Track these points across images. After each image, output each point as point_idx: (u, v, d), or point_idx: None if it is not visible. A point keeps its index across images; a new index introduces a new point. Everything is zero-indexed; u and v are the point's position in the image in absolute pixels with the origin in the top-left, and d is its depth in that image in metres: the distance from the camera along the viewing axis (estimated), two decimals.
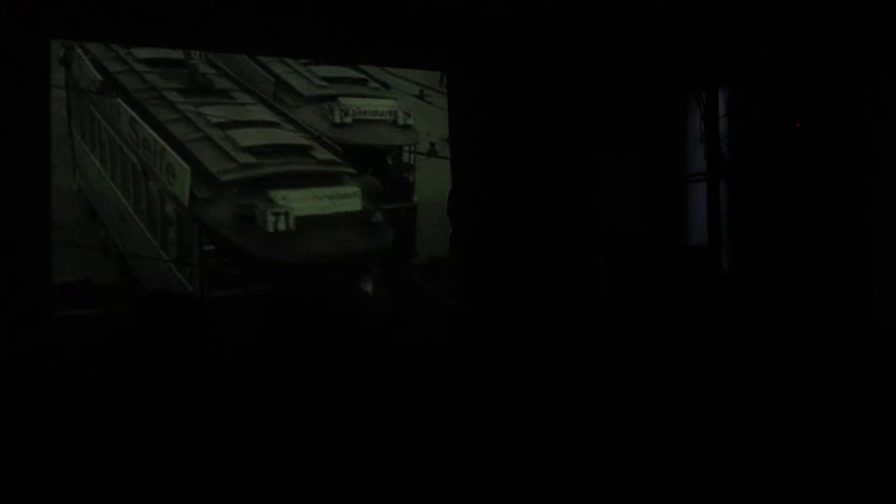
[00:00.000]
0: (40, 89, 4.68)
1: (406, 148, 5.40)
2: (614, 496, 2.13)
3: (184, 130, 4.94)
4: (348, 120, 5.14)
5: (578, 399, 2.56)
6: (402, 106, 5.44)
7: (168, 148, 4.89)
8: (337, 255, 5.18)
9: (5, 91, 4.52)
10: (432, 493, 1.94)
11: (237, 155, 4.98)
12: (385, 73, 5.77)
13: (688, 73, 5.45)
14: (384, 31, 5.49)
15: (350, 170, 5.29)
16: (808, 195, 4.36)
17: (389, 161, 5.37)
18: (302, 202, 5.09)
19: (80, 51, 4.87)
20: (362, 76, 5.62)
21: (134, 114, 4.86)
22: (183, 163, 4.85)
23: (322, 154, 5.26)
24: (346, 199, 5.22)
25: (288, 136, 5.16)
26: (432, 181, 5.88)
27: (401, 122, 5.38)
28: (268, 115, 5.20)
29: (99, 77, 4.88)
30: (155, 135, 4.87)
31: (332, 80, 5.42)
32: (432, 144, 5.90)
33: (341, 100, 5.15)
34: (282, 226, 4.96)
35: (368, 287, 5.51)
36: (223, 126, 5.02)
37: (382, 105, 5.33)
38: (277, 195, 5.01)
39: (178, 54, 5.09)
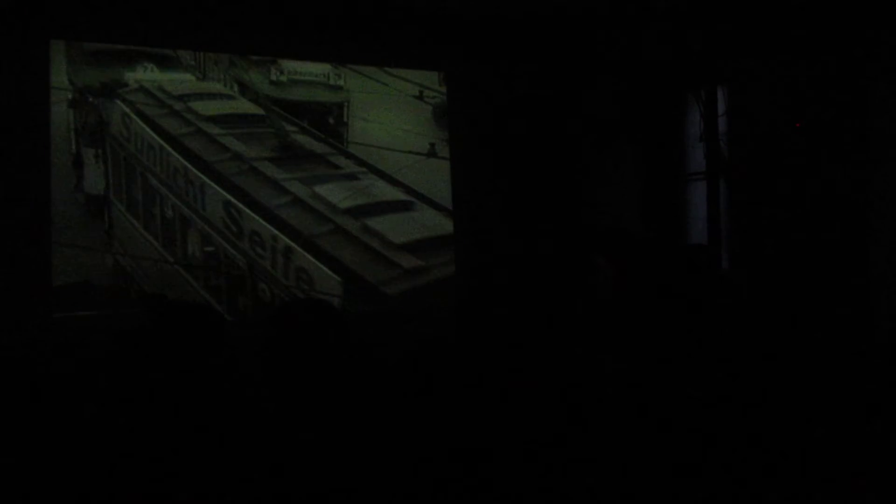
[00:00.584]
0: (41, 90, 4.68)
1: (345, 106, 5.65)
2: (611, 498, 2.13)
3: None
4: (284, 79, 5.51)
5: (579, 399, 2.56)
6: (334, 70, 5.71)
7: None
8: None
9: (6, 92, 4.53)
10: (433, 493, 1.94)
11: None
12: (385, 74, 5.80)
13: (687, 71, 5.45)
14: (383, 32, 5.50)
15: None
16: (808, 194, 4.37)
17: (331, 120, 5.63)
18: None
19: (122, 105, 4.98)
20: None
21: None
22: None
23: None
24: None
25: None
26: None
27: (332, 82, 5.63)
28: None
29: (160, 140, 5.05)
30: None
31: None
32: (432, 145, 5.91)
33: (279, 61, 5.50)
34: None
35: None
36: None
37: (315, 68, 5.62)
38: None
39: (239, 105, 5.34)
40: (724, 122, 5.29)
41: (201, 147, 5.17)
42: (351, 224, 5.50)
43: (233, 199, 5.17)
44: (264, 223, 5.22)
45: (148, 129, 5.06)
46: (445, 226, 5.86)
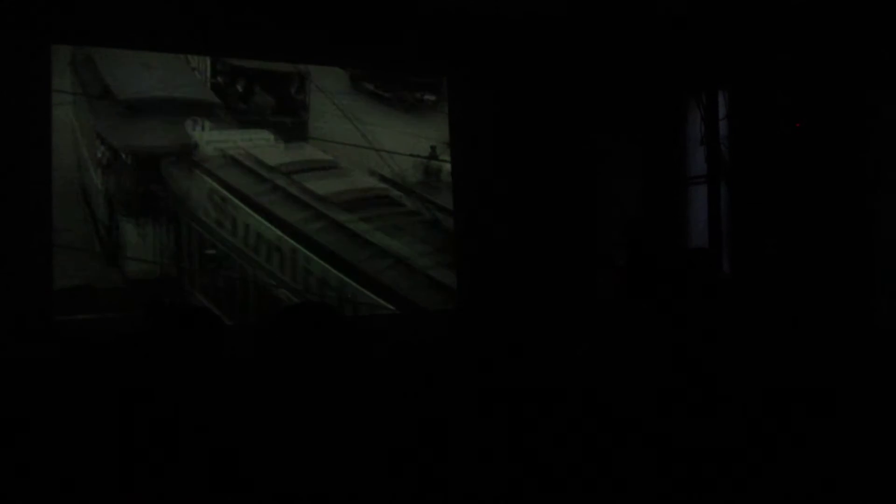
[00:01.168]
0: (42, 94, 4.69)
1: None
2: (610, 496, 2.13)
3: None
4: None
5: (579, 400, 2.56)
6: None
7: None
8: None
9: (7, 96, 4.54)
10: (434, 494, 1.94)
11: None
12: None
13: (688, 75, 5.46)
14: (384, 36, 5.51)
15: None
16: (809, 197, 4.37)
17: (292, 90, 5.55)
18: None
19: (206, 178, 5.09)
20: None
21: None
22: None
23: None
24: None
25: None
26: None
27: None
28: None
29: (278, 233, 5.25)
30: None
31: None
32: (433, 148, 5.91)
33: None
34: None
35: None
36: None
37: None
38: None
39: None
40: (724, 126, 5.30)
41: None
42: None
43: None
44: None
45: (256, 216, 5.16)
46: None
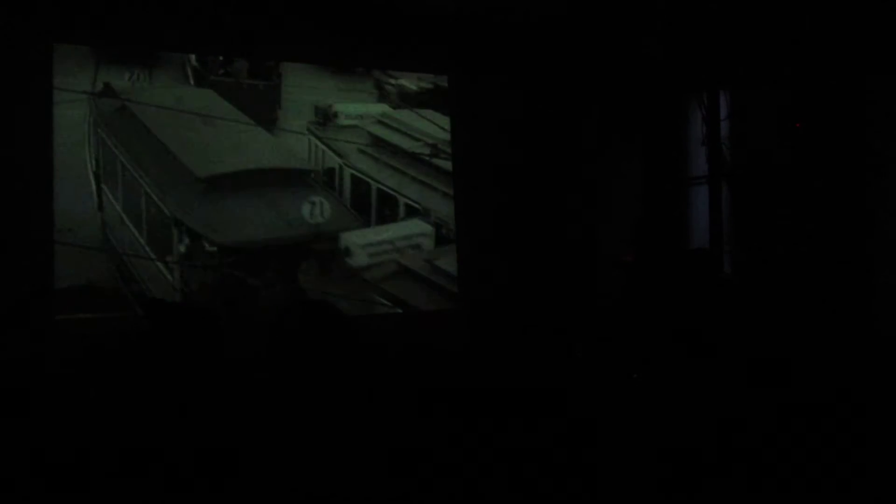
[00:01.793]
0: (43, 93, 4.69)
1: None
2: (612, 496, 2.13)
3: None
4: None
5: (578, 400, 2.56)
6: None
7: None
8: None
9: (8, 95, 4.54)
10: (435, 494, 1.94)
11: None
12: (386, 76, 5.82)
13: (689, 75, 5.46)
14: (385, 35, 5.51)
15: None
16: (810, 198, 4.36)
17: None
18: None
19: None
20: None
21: None
22: None
23: None
24: None
25: None
26: None
27: None
28: None
29: None
30: None
31: None
32: (434, 146, 5.91)
33: None
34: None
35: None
36: None
37: None
38: None
39: None
40: (726, 126, 5.29)
41: None
42: None
43: None
44: None
45: None
46: None
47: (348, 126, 5.59)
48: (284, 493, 1.83)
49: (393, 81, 5.81)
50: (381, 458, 1.92)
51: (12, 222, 4.52)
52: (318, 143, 5.48)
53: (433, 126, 5.87)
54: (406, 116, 5.79)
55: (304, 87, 5.50)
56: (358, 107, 5.67)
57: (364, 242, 5.55)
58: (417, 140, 5.82)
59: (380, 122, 5.71)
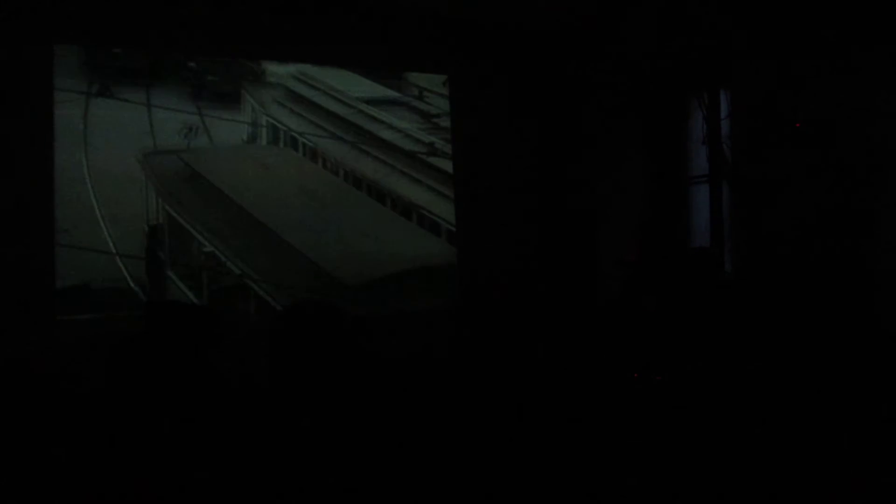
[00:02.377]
0: (44, 93, 4.69)
1: None
2: (609, 498, 2.13)
3: None
4: None
5: (579, 400, 2.56)
6: None
7: None
8: None
9: (10, 95, 4.54)
10: (435, 495, 1.94)
11: None
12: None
13: (689, 74, 5.45)
14: (386, 35, 5.51)
15: None
16: (811, 196, 4.36)
17: None
18: None
19: None
20: None
21: None
22: None
23: None
24: None
25: None
26: None
27: None
28: None
29: None
30: None
31: None
32: (432, 144, 5.91)
33: None
34: None
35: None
36: None
37: None
38: None
39: None
40: (726, 125, 5.29)
41: None
42: None
43: None
44: None
45: None
46: None
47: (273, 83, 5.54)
48: (284, 493, 1.83)
49: None
50: (379, 458, 1.92)
51: (12, 222, 4.52)
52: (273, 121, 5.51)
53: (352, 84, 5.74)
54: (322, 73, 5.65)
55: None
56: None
57: None
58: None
59: (298, 79, 5.63)
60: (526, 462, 2.15)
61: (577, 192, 5.99)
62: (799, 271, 4.37)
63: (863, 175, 4.15)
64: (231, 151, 5.26)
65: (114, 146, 4.90)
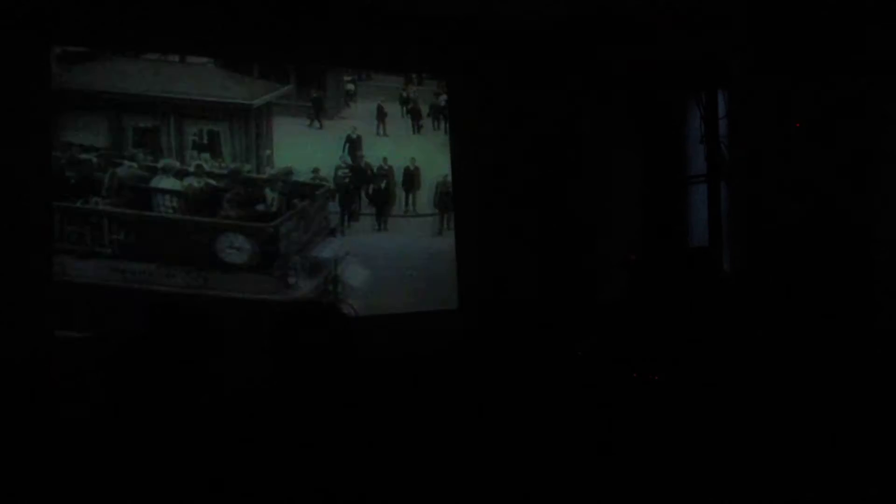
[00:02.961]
0: (42, 95, 4.68)
1: None
2: (608, 496, 2.13)
3: None
4: None
5: (579, 400, 2.57)
6: None
7: None
8: None
9: (7, 96, 4.53)
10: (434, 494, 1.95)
11: None
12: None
13: (687, 74, 5.46)
14: (385, 38, 5.51)
15: None
16: (809, 196, 4.36)
17: None
18: None
19: None
20: None
21: None
22: None
23: None
24: None
25: None
26: None
27: None
28: None
29: None
30: None
31: None
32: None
33: None
34: None
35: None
36: None
37: None
38: None
39: None
40: (724, 125, 5.29)
41: None
42: None
43: None
44: None
45: None
46: None
47: None
48: (286, 493, 1.83)
49: None
50: (382, 458, 1.92)
51: (12, 222, 4.52)
52: None
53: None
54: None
55: None
56: None
57: None
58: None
59: None
60: (522, 461, 2.15)
61: (575, 192, 6.00)
62: (797, 270, 4.37)
63: (862, 174, 4.16)
64: None
65: None
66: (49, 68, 4.71)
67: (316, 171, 5.52)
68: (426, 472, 1.97)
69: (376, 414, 2.10)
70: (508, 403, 2.37)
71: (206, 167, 5.19)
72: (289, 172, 5.49)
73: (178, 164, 5.16)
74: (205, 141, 5.18)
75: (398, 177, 5.78)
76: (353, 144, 5.67)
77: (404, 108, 5.85)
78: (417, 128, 5.91)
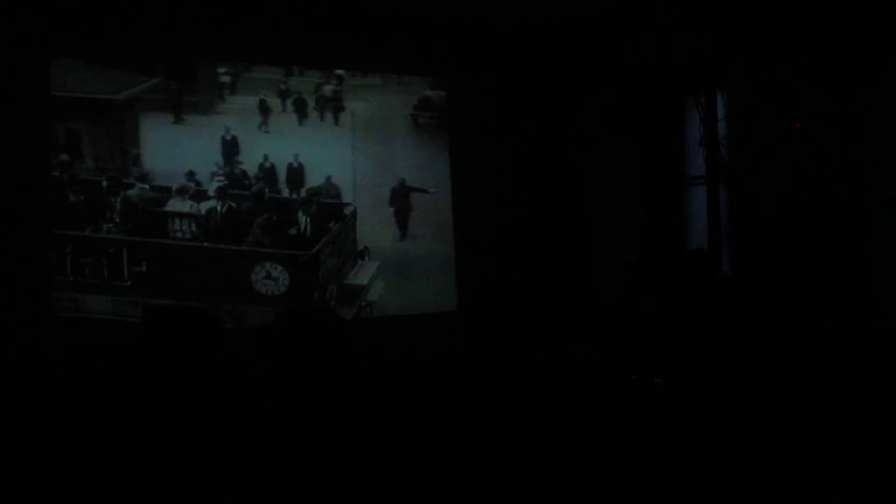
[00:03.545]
0: (41, 102, 4.69)
1: None
2: (607, 495, 2.14)
3: None
4: None
5: (579, 400, 2.57)
6: None
7: None
8: None
9: (7, 103, 4.55)
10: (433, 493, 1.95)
11: None
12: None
13: (686, 75, 5.46)
14: (385, 38, 5.52)
15: None
16: (808, 197, 4.36)
17: None
18: None
19: None
20: None
21: None
22: None
23: None
24: None
25: None
26: None
27: None
28: None
29: None
30: None
31: None
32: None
33: None
34: None
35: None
36: None
37: None
38: None
39: None
40: (723, 126, 5.29)
41: None
42: None
43: None
44: None
45: None
46: None
47: None
48: (282, 491, 1.83)
49: None
50: (376, 457, 1.93)
51: (12, 222, 4.53)
52: None
53: None
54: None
55: None
56: None
57: None
58: None
59: None
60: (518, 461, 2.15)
61: (575, 193, 6.00)
62: (796, 271, 4.37)
63: (862, 175, 4.16)
64: None
65: None
66: (48, 77, 4.72)
67: (191, 174, 5.07)
68: (425, 472, 1.97)
69: (376, 414, 2.10)
70: (506, 403, 2.37)
71: (227, 189, 4.82)
72: (317, 192, 5.20)
73: (193, 186, 4.86)
74: (62, 141, 4.71)
75: (281, 174, 5.37)
76: (228, 147, 5.25)
77: (286, 102, 5.48)
78: (301, 121, 5.51)
